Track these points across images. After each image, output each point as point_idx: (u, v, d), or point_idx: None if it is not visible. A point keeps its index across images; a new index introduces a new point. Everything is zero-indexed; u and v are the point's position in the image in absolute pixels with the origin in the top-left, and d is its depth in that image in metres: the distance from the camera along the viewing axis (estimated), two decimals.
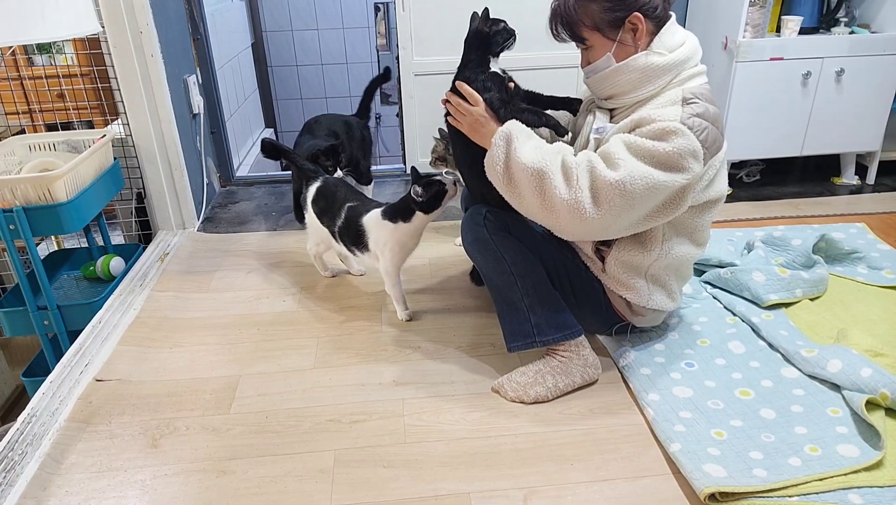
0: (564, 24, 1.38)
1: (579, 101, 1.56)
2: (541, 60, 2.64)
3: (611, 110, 1.46)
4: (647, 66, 1.34)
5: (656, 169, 1.26)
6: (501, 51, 1.48)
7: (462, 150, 1.53)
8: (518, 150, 1.33)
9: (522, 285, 1.45)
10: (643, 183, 1.25)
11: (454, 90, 1.46)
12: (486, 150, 1.40)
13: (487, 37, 1.45)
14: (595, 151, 1.37)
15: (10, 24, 1.64)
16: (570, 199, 1.28)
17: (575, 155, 1.36)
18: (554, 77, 2.69)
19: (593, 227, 1.31)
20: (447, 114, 1.50)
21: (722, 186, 1.42)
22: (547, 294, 1.46)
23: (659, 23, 1.35)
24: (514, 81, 1.49)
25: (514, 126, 1.37)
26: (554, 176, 1.29)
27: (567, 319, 1.48)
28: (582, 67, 1.44)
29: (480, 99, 1.42)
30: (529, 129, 1.40)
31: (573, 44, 1.42)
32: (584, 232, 1.34)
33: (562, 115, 1.65)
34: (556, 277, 1.48)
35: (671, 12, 1.37)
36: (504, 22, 1.48)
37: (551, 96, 1.56)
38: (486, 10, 1.46)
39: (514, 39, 1.48)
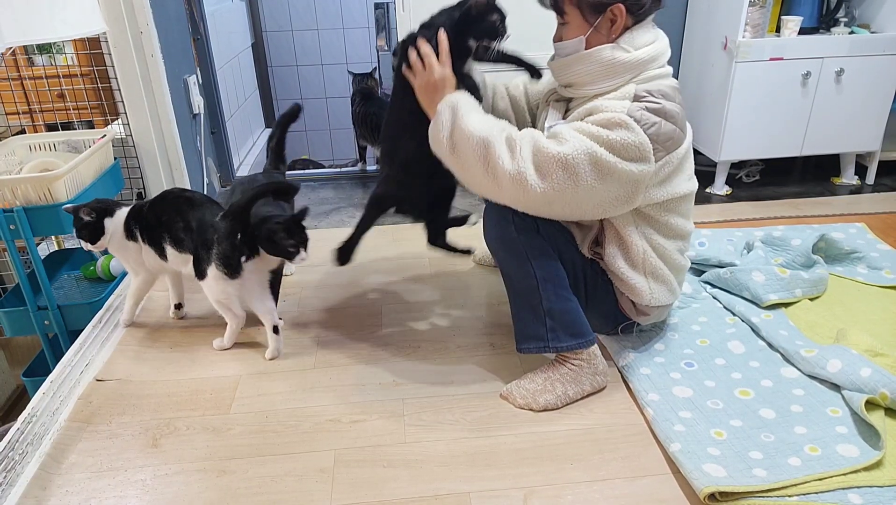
0: None
1: (537, 71, 1.56)
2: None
3: (568, 100, 1.46)
4: (610, 61, 1.33)
5: (601, 147, 1.26)
6: (479, 39, 1.42)
7: (397, 113, 1.49)
8: (464, 118, 1.31)
9: (544, 289, 1.42)
10: (586, 158, 1.24)
11: (429, 38, 1.39)
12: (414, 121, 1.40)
13: (475, 18, 1.40)
14: None
15: (18, 24, 1.64)
16: (512, 169, 1.27)
17: None
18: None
19: (536, 199, 1.29)
20: (402, 63, 1.42)
21: (684, 185, 1.40)
22: (566, 300, 1.44)
23: (637, 20, 1.34)
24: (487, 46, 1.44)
25: (461, 96, 1.36)
26: (499, 146, 1.28)
27: (583, 327, 1.46)
28: (553, 42, 1.43)
29: (449, 62, 1.39)
30: (477, 102, 1.38)
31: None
32: (527, 204, 1.32)
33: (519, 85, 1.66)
34: (572, 277, 1.46)
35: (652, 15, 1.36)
36: (501, 16, 1.42)
37: (514, 56, 1.54)
38: None
39: (500, 38, 1.42)
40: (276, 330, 1.66)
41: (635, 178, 1.28)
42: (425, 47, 1.38)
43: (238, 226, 1.54)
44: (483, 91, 1.61)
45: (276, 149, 1.92)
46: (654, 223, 1.42)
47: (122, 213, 1.69)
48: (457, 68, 1.40)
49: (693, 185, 1.44)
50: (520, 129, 1.48)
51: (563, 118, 1.45)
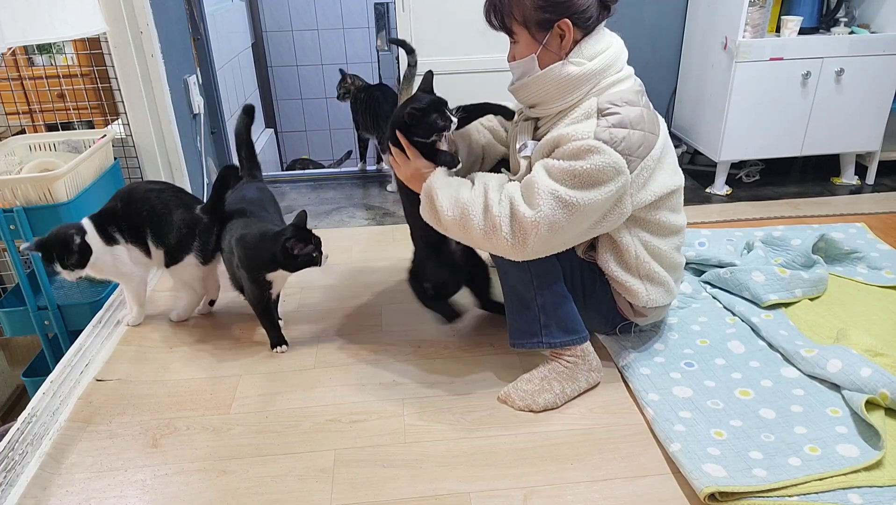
0: (496, 11, 1.38)
1: (509, 111, 1.59)
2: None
3: (537, 119, 1.46)
4: (563, 77, 1.33)
5: (579, 190, 1.26)
6: (429, 136, 1.41)
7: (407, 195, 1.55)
8: (439, 201, 1.37)
9: (538, 284, 1.43)
10: (563, 211, 1.27)
11: (395, 141, 1.46)
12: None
13: (412, 126, 1.41)
14: (523, 171, 1.42)
15: (18, 24, 1.64)
16: (496, 241, 1.32)
17: (513, 169, 1.46)
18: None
19: (532, 254, 1.33)
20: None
21: (668, 181, 1.39)
22: (560, 296, 1.45)
23: (587, 32, 1.34)
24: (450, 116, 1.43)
25: (434, 180, 1.39)
26: (475, 221, 1.32)
27: (577, 323, 1.47)
28: (508, 62, 1.44)
29: (417, 152, 1.43)
30: (452, 178, 1.41)
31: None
32: (524, 257, 1.35)
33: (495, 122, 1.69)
34: (569, 277, 1.47)
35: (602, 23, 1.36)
36: (438, 113, 1.39)
37: (483, 104, 1.57)
38: (416, 108, 1.38)
39: (448, 128, 1.41)
40: (212, 303, 1.87)
41: (616, 194, 1.30)
42: (394, 150, 1.47)
43: (216, 219, 1.70)
44: (461, 148, 1.62)
45: (248, 157, 1.89)
46: (645, 224, 1.42)
47: (88, 224, 1.65)
48: (428, 151, 1.43)
49: (678, 179, 1.44)
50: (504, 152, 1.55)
51: (533, 137, 1.45)
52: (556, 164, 1.29)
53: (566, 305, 1.46)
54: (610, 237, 1.42)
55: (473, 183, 1.39)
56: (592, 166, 1.25)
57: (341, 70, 2.92)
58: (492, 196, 1.33)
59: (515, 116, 1.56)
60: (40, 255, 1.59)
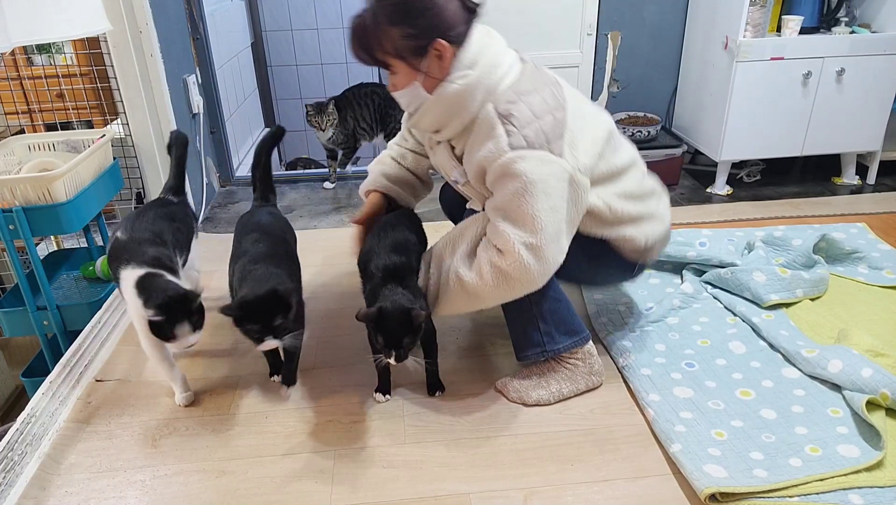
0: (364, 48, 1.30)
1: None
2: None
3: (449, 141, 1.42)
4: (453, 96, 1.29)
5: (536, 204, 1.24)
6: None
7: None
8: (452, 309, 1.43)
9: (533, 293, 1.40)
10: (531, 241, 1.26)
11: None
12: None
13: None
14: (473, 195, 1.44)
15: (22, 24, 1.63)
16: (513, 293, 1.34)
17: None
18: None
19: (545, 277, 1.32)
20: None
21: (597, 131, 1.35)
22: (556, 300, 1.44)
23: (461, 42, 1.28)
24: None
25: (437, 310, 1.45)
26: (488, 300, 1.37)
27: (576, 324, 1.47)
28: (391, 91, 1.38)
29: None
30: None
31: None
32: (543, 282, 1.33)
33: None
34: (569, 254, 1.40)
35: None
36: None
37: None
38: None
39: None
40: None
41: (567, 181, 1.27)
42: None
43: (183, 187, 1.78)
44: (400, 195, 1.66)
45: (263, 178, 1.74)
46: (599, 179, 1.37)
47: (166, 275, 1.44)
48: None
49: (606, 119, 1.41)
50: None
51: (455, 158, 1.42)
52: (504, 201, 1.27)
53: (563, 307, 1.45)
54: None
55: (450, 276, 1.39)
56: (528, 177, 1.23)
57: (308, 104, 2.81)
58: (468, 276, 1.34)
59: (426, 143, 1.53)
60: (164, 318, 1.33)
